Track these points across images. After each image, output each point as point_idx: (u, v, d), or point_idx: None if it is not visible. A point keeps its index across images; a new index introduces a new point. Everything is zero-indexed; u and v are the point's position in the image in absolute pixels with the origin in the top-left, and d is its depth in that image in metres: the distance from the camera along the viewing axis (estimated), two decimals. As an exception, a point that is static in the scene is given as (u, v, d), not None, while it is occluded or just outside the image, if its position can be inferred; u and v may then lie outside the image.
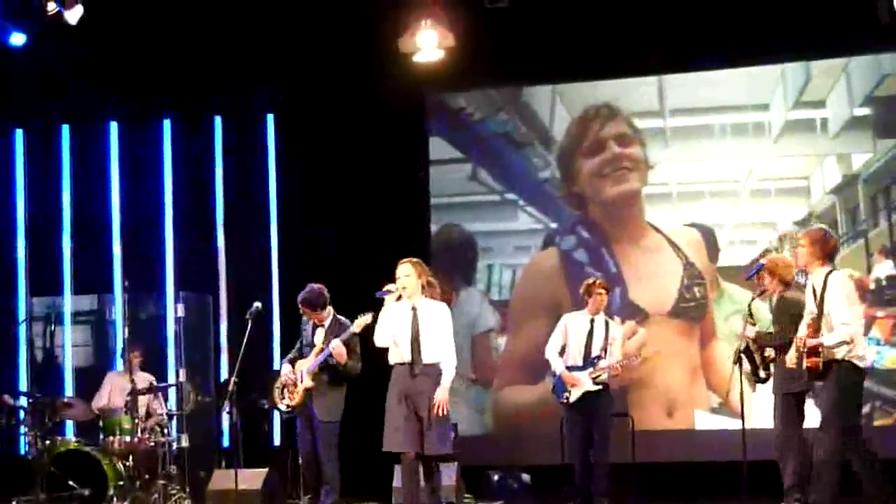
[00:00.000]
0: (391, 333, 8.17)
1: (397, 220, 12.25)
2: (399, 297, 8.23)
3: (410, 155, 12.49)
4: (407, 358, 8.15)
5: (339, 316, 9.29)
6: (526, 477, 11.16)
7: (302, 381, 9.11)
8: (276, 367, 9.85)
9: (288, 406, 9.26)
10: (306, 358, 9.22)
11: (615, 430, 9.92)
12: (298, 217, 12.63)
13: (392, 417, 8.11)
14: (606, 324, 9.88)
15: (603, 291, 9.84)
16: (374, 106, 12.14)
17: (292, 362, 9.29)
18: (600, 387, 9.72)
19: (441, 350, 8.19)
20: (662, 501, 10.38)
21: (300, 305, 9.33)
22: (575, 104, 12.36)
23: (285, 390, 9.23)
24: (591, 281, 10.01)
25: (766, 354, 8.60)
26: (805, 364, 7.69)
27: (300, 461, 9.36)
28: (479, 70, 11.98)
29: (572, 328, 9.85)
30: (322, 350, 9.12)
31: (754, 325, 8.73)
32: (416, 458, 8.06)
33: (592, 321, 9.82)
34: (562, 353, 9.84)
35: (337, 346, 8.98)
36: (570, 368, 9.73)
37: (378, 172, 12.21)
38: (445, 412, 8.08)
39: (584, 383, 9.67)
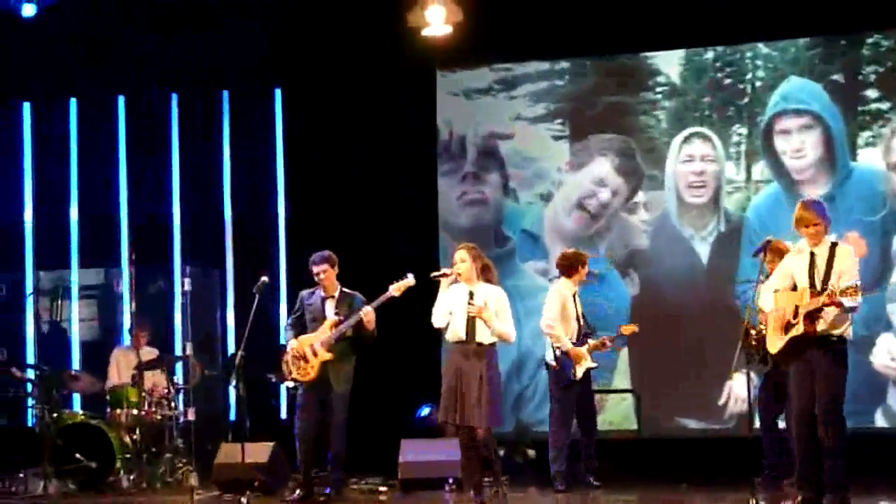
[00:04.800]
0: (448, 314, 8.40)
1: (406, 195, 12.24)
2: (455, 280, 8.45)
3: (420, 129, 12.45)
4: (462, 337, 8.36)
5: (345, 289, 9.33)
6: (532, 452, 11.13)
7: (317, 355, 9.12)
8: (282, 340, 9.80)
9: (298, 380, 9.27)
10: (315, 332, 9.24)
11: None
12: (306, 191, 12.62)
13: (447, 391, 8.38)
14: (575, 297, 9.74)
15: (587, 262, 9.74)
16: (384, 80, 12.10)
17: (297, 336, 9.29)
18: (597, 364, 9.72)
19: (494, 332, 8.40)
20: (668, 477, 10.26)
21: (320, 264, 9.28)
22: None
23: (299, 363, 9.22)
24: (575, 251, 9.92)
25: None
26: (801, 329, 7.58)
27: (300, 434, 9.33)
28: (488, 46, 11.94)
29: (569, 301, 9.63)
30: (338, 323, 9.13)
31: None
32: (465, 430, 8.32)
33: (576, 294, 9.68)
34: None
35: (369, 312, 9.02)
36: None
37: (387, 147, 12.18)
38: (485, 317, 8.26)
39: (587, 359, 9.59)
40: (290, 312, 9.70)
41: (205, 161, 12.97)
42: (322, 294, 9.34)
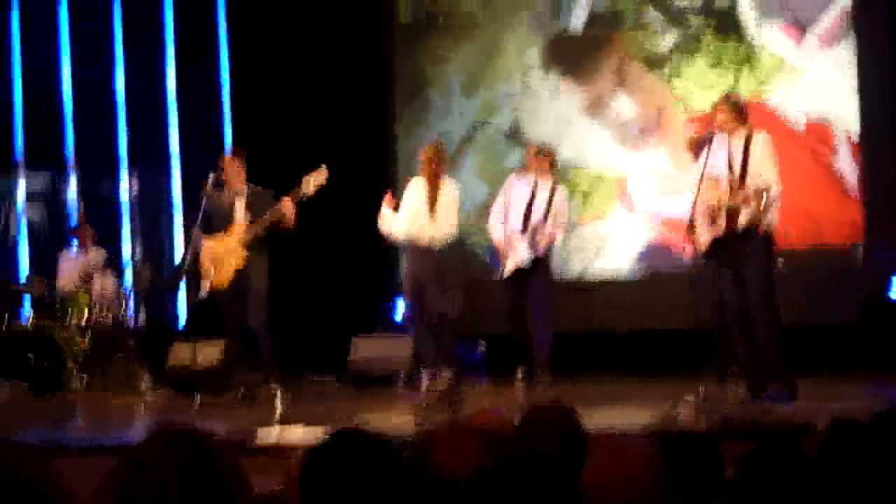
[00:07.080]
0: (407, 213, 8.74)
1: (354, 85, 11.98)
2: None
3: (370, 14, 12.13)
4: (416, 235, 8.73)
5: (254, 185, 9.19)
6: (482, 346, 11.06)
7: (234, 256, 8.98)
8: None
9: (217, 285, 9.04)
10: (228, 232, 9.08)
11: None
12: (253, 90, 12.24)
13: (408, 288, 8.87)
14: (553, 191, 9.30)
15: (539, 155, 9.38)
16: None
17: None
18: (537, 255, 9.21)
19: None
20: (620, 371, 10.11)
21: (234, 159, 9.21)
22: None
23: (214, 267, 9.03)
24: (529, 145, 9.93)
25: None
26: (723, 225, 7.55)
27: (229, 339, 9.27)
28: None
29: (516, 194, 9.30)
30: (252, 220, 8.98)
31: None
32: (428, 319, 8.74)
33: (537, 186, 9.27)
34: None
35: (288, 206, 8.84)
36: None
37: (337, 39, 11.86)
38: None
39: (520, 252, 9.17)
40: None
41: (149, 59, 12.65)
42: (231, 192, 9.16)
